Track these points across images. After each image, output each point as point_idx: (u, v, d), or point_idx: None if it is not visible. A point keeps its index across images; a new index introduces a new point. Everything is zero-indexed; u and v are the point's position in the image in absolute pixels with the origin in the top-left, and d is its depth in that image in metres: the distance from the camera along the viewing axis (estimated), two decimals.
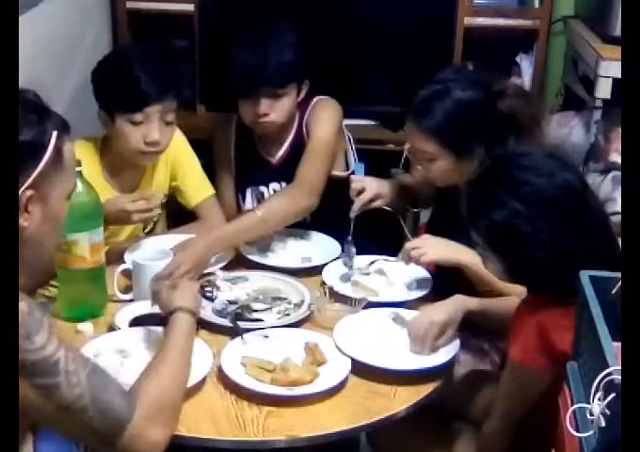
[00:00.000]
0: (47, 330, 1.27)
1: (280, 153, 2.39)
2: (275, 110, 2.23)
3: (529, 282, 1.63)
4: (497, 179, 1.61)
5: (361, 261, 2.12)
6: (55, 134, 1.38)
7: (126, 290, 1.97)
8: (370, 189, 2.15)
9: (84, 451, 1.57)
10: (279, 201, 2.18)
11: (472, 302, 1.82)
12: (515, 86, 2.21)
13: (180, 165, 2.34)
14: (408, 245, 1.96)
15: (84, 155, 2.11)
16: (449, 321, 1.77)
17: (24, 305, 1.26)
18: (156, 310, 1.74)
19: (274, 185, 2.42)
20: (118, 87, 2.09)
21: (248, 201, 2.43)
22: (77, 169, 1.77)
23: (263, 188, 2.42)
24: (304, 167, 2.23)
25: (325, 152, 2.27)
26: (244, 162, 2.43)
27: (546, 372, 1.55)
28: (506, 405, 1.65)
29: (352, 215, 2.13)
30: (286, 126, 2.34)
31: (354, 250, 2.12)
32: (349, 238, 2.13)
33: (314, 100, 2.38)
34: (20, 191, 1.33)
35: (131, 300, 1.94)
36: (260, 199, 2.42)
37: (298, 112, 2.37)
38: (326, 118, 2.33)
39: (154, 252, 2.01)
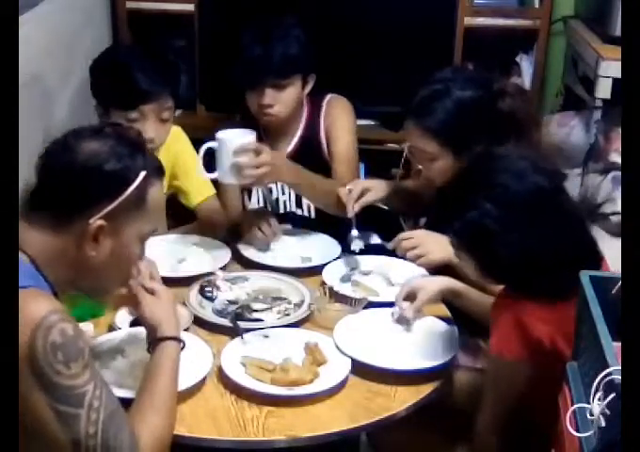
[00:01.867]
0: (85, 360, 1.27)
1: (288, 149, 2.38)
2: (279, 101, 2.24)
3: (501, 281, 1.66)
4: (472, 181, 1.63)
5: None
6: (143, 173, 1.39)
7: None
8: (357, 186, 2.14)
9: None
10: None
11: (459, 285, 1.86)
12: (514, 85, 2.21)
13: (182, 164, 2.33)
14: (404, 242, 1.95)
15: None
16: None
17: (70, 328, 1.26)
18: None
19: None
20: (114, 84, 2.10)
21: (254, 200, 2.42)
22: None
23: (270, 184, 2.40)
24: (341, 173, 2.29)
25: (354, 153, 2.35)
26: None
27: (523, 361, 1.57)
28: (493, 400, 1.66)
29: (350, 215, 2.11)
30: (292, 121, 2.34)
31: (361, 243, 2.12)
32: (353, 234, 2.12)
33: (327, 97, 2.39)
34: (92, 220, 1.35)
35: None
36: (267, 195, 2.41)
37: (307, 108, 2.38)
38: (347, 119, 2.38)
39: (238, 132, 2.07)
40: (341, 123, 2.37)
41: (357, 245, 2.11)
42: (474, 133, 1.97)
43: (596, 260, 1.61)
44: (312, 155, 2.31)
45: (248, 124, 2.33)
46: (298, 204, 2.42)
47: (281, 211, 2.40)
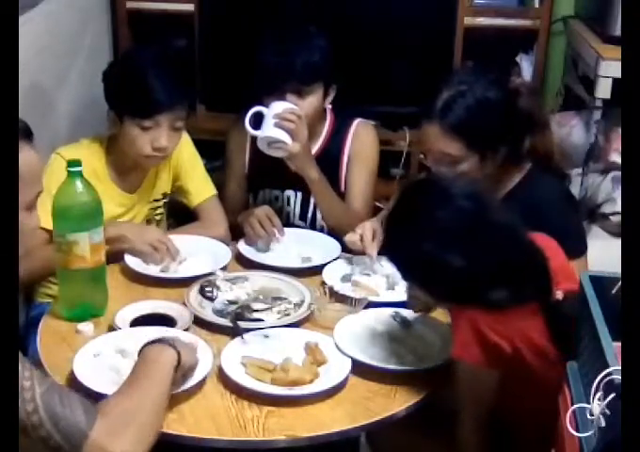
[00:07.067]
0: None
1: None
2: (300, 108, 2.19)
3: (450, 300, 1.65)
4: (401, 211, 1.65)
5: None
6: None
7: (125, 290, 1.98)
8: (367, 229, 2.12)
9: None
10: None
11: None
12: (527, 84, 2.19)
13: (183, 165, 2.33)
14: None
15: (90, 155, 2.13)
16: None
17: None
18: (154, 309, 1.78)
19: (289, 193, 2.40)
20: (130, 92, 2.08)
21: (260, 203, 2.40)
22: (76, 169, 1.79)
23: (277, 192, 2.41)
24: (356, 208, 2.36)
25: (371, 192, 2.43)
26: (260, 164, 2.39)
27: (484, 366, 1.56)
28: (466, 407, 1.65)
29: (374, 258, 2.09)
30: (312, 132, 2.29)
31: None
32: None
33: (356, 121, 2.40)
34: None
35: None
36: (273, 202, 2.41)
37: (330, 121, 2.38)
38: (375, 151, 2.42)
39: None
40: (370, 156, 2.40)
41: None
42: (500, 132, 1.93)
43: (541, 266, 1.60)
44: (329, 170, 2.31)
45: None
46: (302, 217, 2.42)
47: (283, 222, 2.37)
